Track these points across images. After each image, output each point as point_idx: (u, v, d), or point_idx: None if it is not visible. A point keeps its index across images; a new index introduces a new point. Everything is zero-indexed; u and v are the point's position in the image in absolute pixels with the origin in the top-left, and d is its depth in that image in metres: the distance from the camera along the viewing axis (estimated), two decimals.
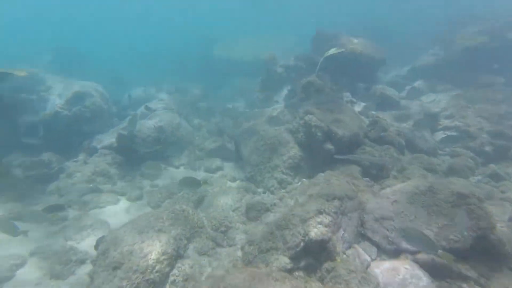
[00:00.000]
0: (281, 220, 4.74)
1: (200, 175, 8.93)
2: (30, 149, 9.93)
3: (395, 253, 4.53)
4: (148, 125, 9.40)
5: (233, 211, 6.90)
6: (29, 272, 5.18)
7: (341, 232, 4.68)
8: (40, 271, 5.20)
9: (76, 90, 9.50)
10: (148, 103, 11.22)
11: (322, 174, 6.83)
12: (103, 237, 4.91)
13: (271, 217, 5.85)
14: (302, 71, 11.62)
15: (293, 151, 7.82)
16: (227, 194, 7.43)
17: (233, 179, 8.67)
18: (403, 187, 5.32)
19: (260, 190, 7.79)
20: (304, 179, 7.51)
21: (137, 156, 9.03)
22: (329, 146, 7.41)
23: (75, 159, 8.50)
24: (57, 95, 9.89)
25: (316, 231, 4.31)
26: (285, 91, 12.07)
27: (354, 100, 10.35)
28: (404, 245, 4.41)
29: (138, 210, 7.20)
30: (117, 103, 12.44)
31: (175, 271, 4.57)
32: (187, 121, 11.08)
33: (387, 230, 4.72)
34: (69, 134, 9.32)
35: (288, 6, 36.26)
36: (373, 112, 9.45)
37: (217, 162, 9.37)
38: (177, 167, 9.37)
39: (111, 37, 35.09)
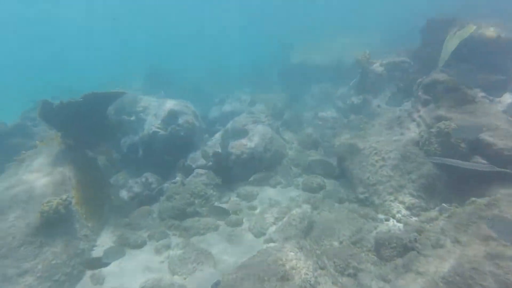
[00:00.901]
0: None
1: (301, 196, 7.86)
2: (131, 169, 10.25)
3: None
4: (242, 142, 8.78)
5: (355, 244, 5.63)
6: None
7: None
8: None
9: (170, 109, 9.48)
10: (237, 117, 10.73)
11: (476, 199, 5.06)
12: (218, 284, 4.14)
13: (422, 262, 4.36)
14: (410, 68, 9.77)
15: (425, 168, 6.18)
16: (341, 222, 6.19)
17: (340, 200, 7.38)
18: None
19: (381, 216, 6.33)
20: (445, 204, 5.80)
21: (232, 174, 8.46)
22: (480, 160, 5.59)
23: (173, 181, 8.28)
24: (153, 115, 10.04)
25: None
26: (387, 93, 10.34)
27: (490, 97, 8.10)
28: None
29: (239, 239, 6.45)
30: (204, 118, 12.33)
31: None
32: (278, 134, 10.21)
33: None
34: (165, 153, 9.26)
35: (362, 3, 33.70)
36: None
37: (317, 179, 8.20)
38: (274, 186, 8.48)
39: (189, 53, 37.43)
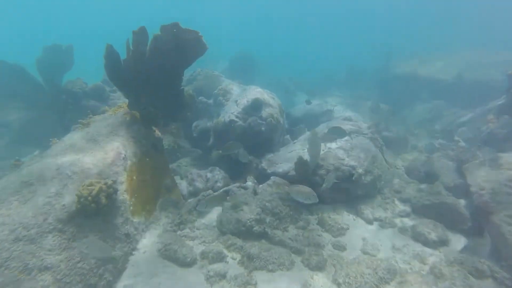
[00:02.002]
0: None
1: (410, 247, 5.52)
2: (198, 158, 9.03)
3: None
4: (337, 154, 6.73)
5: None
6: None
7: None
8: None
9: (255, 98, 7.88)
10: (331, 121, 8.69)
11: None
12: None
13: None
14: None
15: None
16: None
17: (476, 272, 4.84)
18: None
19: None
20: None
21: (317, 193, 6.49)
22: None
23: (243, 185, 6.66)
24: (234, 101, 8.62)
25: None
26: None
27: None
28: None
29: None
30: (288, 116, 10.55)
31: None
32: (382, 153, 7.86)
33: None
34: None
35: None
36: None
37: (437, 229, 5.74)
38: (370, 222, 6.26)
39: (286, 43, 36.16)
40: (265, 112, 7.77)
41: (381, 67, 17.83)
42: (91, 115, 6.31)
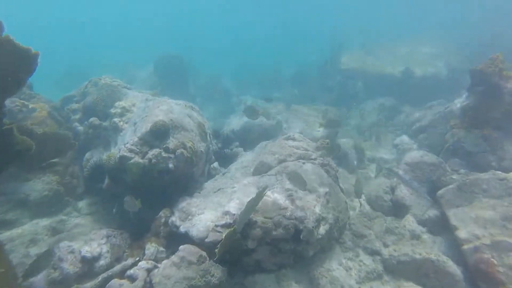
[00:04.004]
0: None
1: None
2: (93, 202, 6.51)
3: None
4: (276, 200, 4.62)
5: None
6: None
7: None
8: None
9: (157, 120, 5.43)
10: (269, 142, 6.59)
11: None
12: None
13: None
14: None
15: None
16: None
17: None
18: None
19: None
20: None
21: (250, 262, 4.37)
22: None
23: (129, 272, 4.23)
24: (133, 124, 6.09)
25: None
26: None
27: None
28: None
29: None
30: (218, 134, 8.28)
31: None
32: (337, 182, 5.96)
33: None
34: (139, 193, 5.24)
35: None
36: None
37: None
38: None
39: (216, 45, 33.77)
40: (174, 141, 5.40)
41: (328, 63, 16.23)
42: None
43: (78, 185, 6.77)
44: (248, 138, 8.91)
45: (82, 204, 6.48)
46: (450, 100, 13.17)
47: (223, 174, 6.51)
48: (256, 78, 18.11)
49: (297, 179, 4.63)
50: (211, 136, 7.55)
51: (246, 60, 22.92)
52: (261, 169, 5.74)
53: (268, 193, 4.65)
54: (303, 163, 5.61)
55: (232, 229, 4.07)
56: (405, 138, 8.93)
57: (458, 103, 7.79)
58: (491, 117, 6.43)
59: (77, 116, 7.37)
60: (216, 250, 4.03)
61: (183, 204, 5.28)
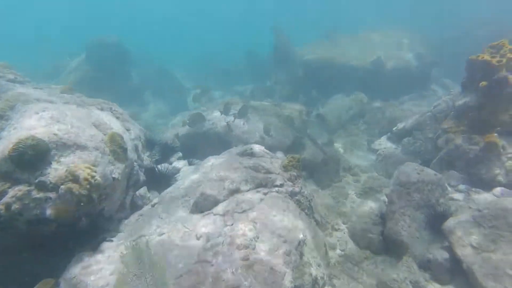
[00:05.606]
0: None
1: None
2: None
3: None
4: (220, 272, 2.82)
5: None
6: None
7: None
8: None
9: (22, 139, 3.27)
10: (216, 161, 4.73)
11: None
12: None
13: None
14: None
15: None
16: None
17: None
18: None
19: None
20: None
21: None
22: None
23: None
24: (8, 132, 3.87)
25: None
26: None
27: None
28: None
29: None
30: (154, 142, 6.22)
31: None
32: (312, 216, 4.31)
33: None
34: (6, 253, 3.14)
35: None
36: None
37: None
38: None
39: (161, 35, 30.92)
40: (59, 169, 3.33)
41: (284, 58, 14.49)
42: None
43: None
44: (198, 145, 6.96)
45: None
46: (422, 95, 12.43)
47: (153, 205, 4.55)
48: (211, 69, 16.05)
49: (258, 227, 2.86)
50: (140, 148, 5.50)
51: (201, 49, 20.66)
52: (203, 204, 3.87)
53: (213, 260, 2.82)
54: (265, 193, 3.84)
55: None
56: (384, 141, 7.55)
57: (450, 100, 6.49)
58: (497, 120, 5.13)
59: None
60: None
61: (75, 271, 3.27)
